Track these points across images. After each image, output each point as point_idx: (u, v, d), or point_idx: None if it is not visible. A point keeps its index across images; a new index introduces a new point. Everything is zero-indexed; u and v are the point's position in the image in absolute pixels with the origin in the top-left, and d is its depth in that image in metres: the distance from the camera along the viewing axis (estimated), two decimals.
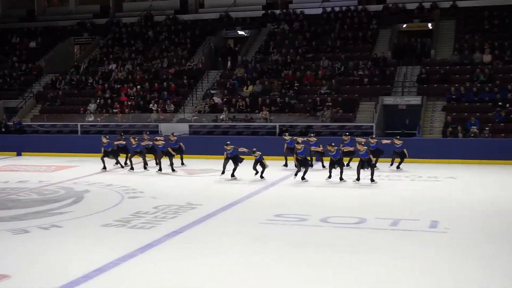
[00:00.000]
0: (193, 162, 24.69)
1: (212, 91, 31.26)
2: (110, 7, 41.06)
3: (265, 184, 19.51)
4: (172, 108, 30.63)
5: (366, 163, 19.64)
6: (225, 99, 30.31)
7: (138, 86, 32.33)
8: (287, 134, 23.78)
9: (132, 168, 22.91)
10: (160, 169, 22.36)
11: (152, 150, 23.16)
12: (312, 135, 23.43)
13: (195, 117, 29.78)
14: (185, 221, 14.37)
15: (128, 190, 18.72)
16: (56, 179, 21.03)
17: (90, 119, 31.26)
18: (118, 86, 32.99)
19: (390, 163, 22.50)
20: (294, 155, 20.18)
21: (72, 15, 41.10)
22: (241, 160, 20.58)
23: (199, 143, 27.49)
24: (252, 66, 32.46)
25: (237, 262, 11.18)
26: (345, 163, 21.11)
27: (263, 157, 20.15)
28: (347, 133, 23.22)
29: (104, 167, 23.15)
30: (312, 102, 28.75)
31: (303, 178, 19.70)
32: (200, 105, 30.57)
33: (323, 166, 22.41)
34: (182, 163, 23.68)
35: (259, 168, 20.29)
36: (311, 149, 21.72)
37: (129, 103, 31.47)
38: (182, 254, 11.75)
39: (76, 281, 9.91)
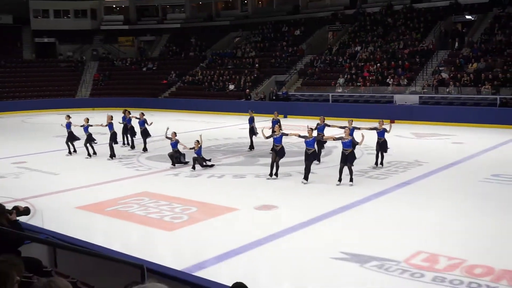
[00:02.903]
0: (422, 128, 24.34)
1: (440, 68, 30.02)
2: (357, 0, 41.11)
3: (485, 147, 18.57)
4: (405, 82, 30.13)
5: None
6: (451, 74, 28.93)
7: (378, 64, 32.27)
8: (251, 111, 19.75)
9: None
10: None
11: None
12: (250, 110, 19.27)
13: (424, 90, 28.95)
14: (412, 175, 14.52)
15: (367, 147, 19.13)
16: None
17: (339, 90, 32.04)
18: (362, 64, 33.24)
19: (375, 161, 15.71)
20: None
21: (327, 7, 42.00)
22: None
23: (427, 112, 26.91)
24: (477, 46, 30.37)
25: (450, 213, 11.08)
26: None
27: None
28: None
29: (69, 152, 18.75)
30: None
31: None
32: (430, 80, 29.59)
33: (317, 160, 15.95)
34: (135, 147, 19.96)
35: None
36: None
37: (370, 78, 31.59)
38: (408, 200, 12.00)
39: (325, 215, 10.82)
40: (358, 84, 31.56)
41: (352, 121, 15.73)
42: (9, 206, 5.23)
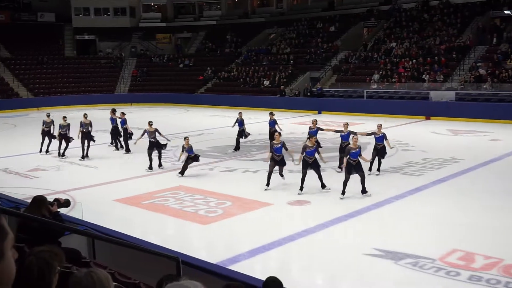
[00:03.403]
0: (458, 124, 23.80)
1: (477, 64, 29.28)
2: None
3: None
4: (441, 78, 29.50)
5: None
6: (489, 70, 28.17)
7: (414, 60, 31.71)
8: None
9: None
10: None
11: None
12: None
13: (461, 86, 28.29)
14: (448, 172, 14.22)
15: (402, 143, 18.85)
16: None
17: (373, 87, 31.65)
18: (397, 60, 32.71)
19: (369, 167, 13.90)
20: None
21: (362, 3, 41.41)
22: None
23: (464, 108, 26.31)
24: None
25: (487, 212, 10.79)
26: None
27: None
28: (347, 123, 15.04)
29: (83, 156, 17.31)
30: None
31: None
32: (466, 76, 28.90)
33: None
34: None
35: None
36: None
37: (405, 74, 31.05)
38: (443, 198, 11.75)
39: (358, 211, 10.70)
40: (393, 80, 31.05)
41: (347, 124, 14.82)
42: (50, 198, 5.34)
